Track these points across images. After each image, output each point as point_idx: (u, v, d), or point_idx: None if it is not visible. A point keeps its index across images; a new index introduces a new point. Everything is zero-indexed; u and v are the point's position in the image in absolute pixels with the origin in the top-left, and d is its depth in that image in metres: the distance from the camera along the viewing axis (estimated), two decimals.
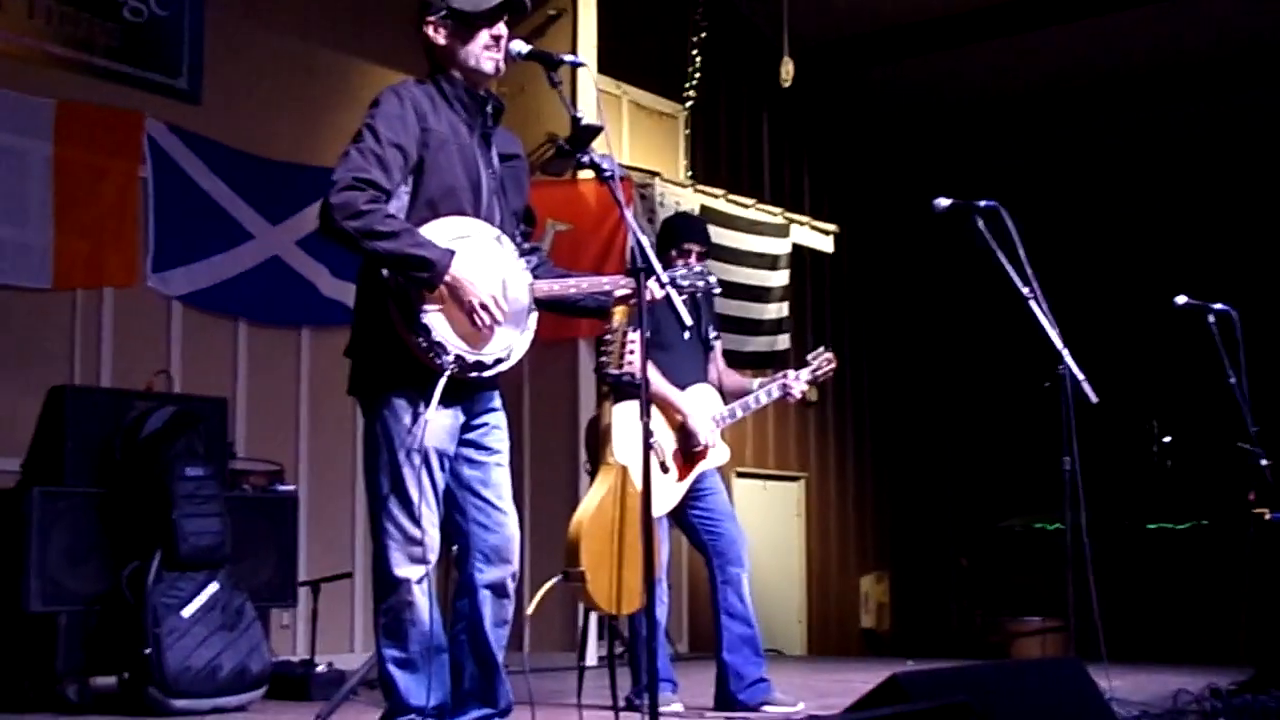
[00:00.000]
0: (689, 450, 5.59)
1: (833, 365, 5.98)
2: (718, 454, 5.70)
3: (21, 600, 5.19)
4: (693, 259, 5.67)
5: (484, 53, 3.77)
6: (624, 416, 5.39)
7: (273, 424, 7.51)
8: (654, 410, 5.51)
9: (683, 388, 5.58)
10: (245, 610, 5.43)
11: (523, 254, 3.84)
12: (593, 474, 5.40)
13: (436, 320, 3.55)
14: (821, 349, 5.98)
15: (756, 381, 5.92)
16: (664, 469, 5.51)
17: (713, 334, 5.84)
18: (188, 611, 5.23)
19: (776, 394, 5.82)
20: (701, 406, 5.62)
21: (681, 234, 5.75)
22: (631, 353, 5.37)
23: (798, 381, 5.79)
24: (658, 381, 5.49)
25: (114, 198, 6.90)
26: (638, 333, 3.73)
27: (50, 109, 6.66)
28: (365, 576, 7.55)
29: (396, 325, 3.56)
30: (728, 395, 5.80)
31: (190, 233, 7.18)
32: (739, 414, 5.76)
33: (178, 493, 5.34)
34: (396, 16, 8.03)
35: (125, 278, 6.93)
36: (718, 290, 4.29)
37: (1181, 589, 10.81)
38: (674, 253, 5.68)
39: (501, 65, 3.81)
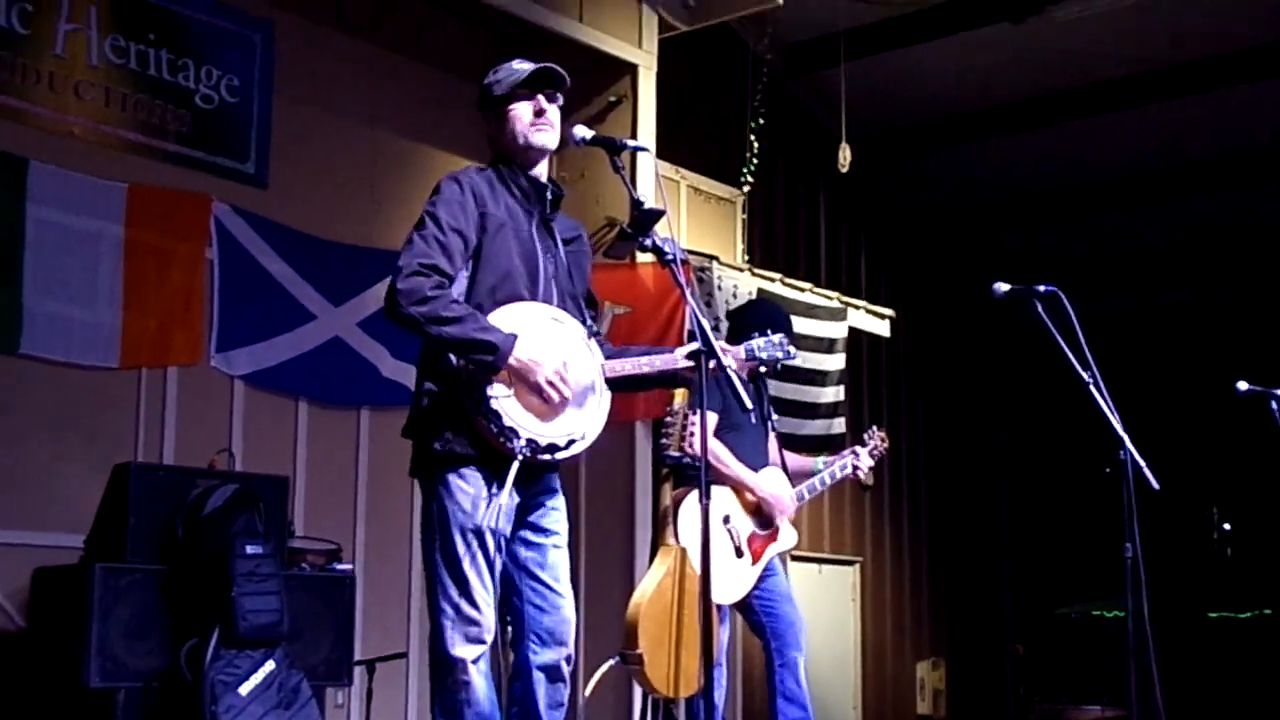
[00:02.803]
0: (762, 534, 5.57)
1: (886, 443, 5.98)
2: (787, 537, 5.68)
3: (81, 676, 5.23)
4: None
5: (531, 129, 3.83)
6: (696, 505, 5.38)
7: (331, 503, 7.55)
8: (729, 493, 5.51)
9: (753, 470, 5.58)
10: (301, 689, 5.45)
11: (591, 335, 3.87)
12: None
13: (507, 405, 3.59)
14: (874, 427, 5.99)
15: (820, 461, 5.92)
16: (738, 554, 5.48)
17: (773, 416, 5.85)
18: (245, 689, 5.25)
19: (841, 474, 5.83)
20: (778, 488, 5.61)
21: (770, 321, 5.76)
22: (692, 434, 5.39)
23: (865, 458, 5.81)
24: (732, 463, 5.49)
25: (181, 279, 7.01)
26: (699, 414, 3.75)
27: (123, 193, 6.80)
28: (419, 657, 7.60)
29: (468, 410, 3.60)
30: (792, 477, 5.80)
31: (254, 313, 7.28)
32: (806, 495, 5.76)
33: (237, 571, 5.37)
34: (460, 103, 8.17)
35: (190, 357, 7.03)
36: (796, 359, 4.30)
37: (1244, 679, 10.63)
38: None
39: (555, 139, 3.86)
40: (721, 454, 5.46)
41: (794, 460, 5.90)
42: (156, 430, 6.89)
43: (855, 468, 5.80)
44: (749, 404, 3.66)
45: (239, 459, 6.95)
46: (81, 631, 5.26)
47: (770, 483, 5.58)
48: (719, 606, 5.45)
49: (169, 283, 6.95)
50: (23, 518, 6.29)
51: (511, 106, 3.83)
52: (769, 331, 5.69)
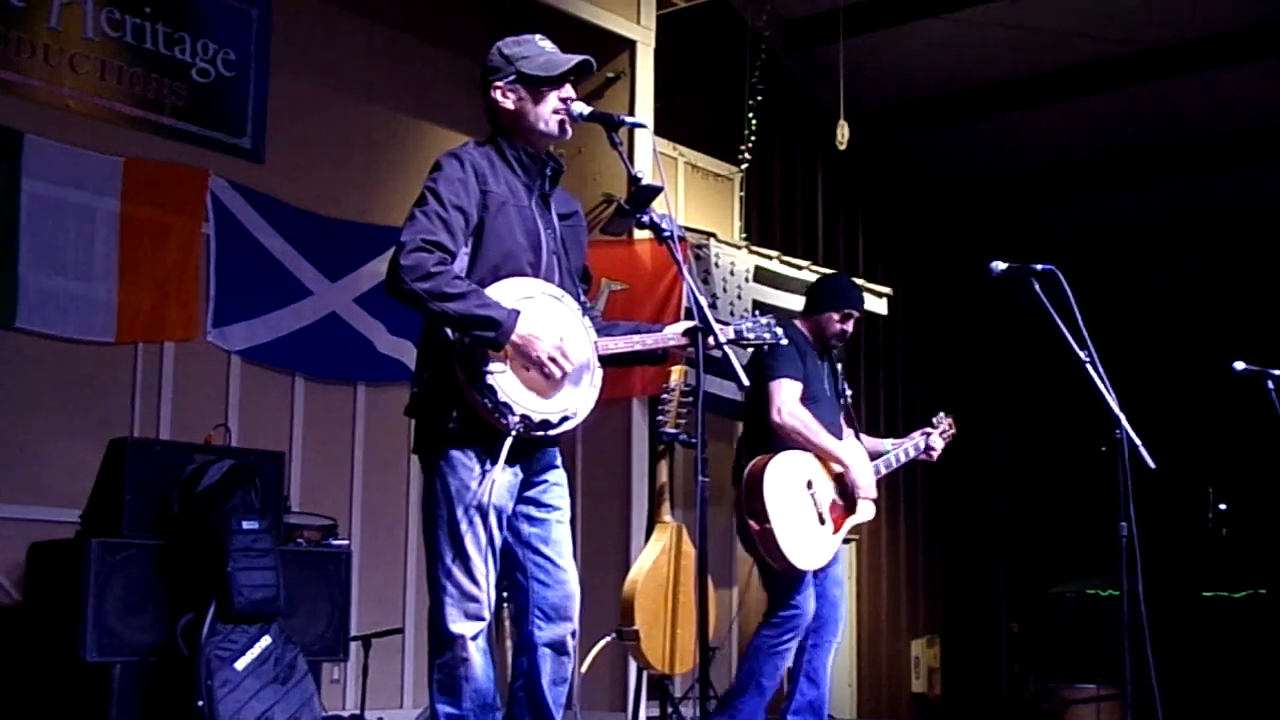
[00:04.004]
0: (841, 503, 5.56)
1: (954, 430, 6.00)
2: (865, 510, 5.67)
3: (78, 650, 5.25)
4: (849, 324, 5.71)
5: (553, 116, 3.81)
6: (781, 471, 5.36)
7: (327, 479, 7.56)
8: (813, 460, 5.49)
9: None
10: (297, 664, 5.47)
11: (584, 312, 3.87)
12: (746, 527, 5.37)
13: (502, 380, 3.59)
14: (942, 414, 5.99)
15: (889, 442, 5.92)
16: (821, 521, 5.46)
17: (846, 391, 5.84)
18: (241, 664, 5.27)
19: (911, 455, 5.84)
20: (860, 460, 5.60)
21: (843, 296, 5.76)
22: (779, 407, 5.38)
23: (937, 440, 5.82)
24: (820, 432, 5.47)
25: (177, 253, 7.00)
26: (699, 388, 3.74)
27: (118, 166, 6.78)
28: (416, 632, 7.62)
29: (462, 385, 3.60)
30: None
31: (250, 288, 7.27)
32: (882, 470, 5.75)
33: (233, 546, 5.39)
34: (457, 78, 8.16)
35: (186, 332, 7.03)
36: (784, 343, 4.30)
37: (1237, 658, 10.65)
38: (836, 315, 5.70)
39: (569, 127, 3.85)
40: (808, 421, 5.44)
41: (864, 439, 5.88)
42: (153, 405, 6.89)
43: (929, 448, 5.81)
44: (745, 382, 3.65)
45: (235, 434, 6.95)
46: (78, 606, 5.28)
47: (852, 455, 5.56)
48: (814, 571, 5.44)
49: (165, 258, 6.95)
50: (19, 492, 6.30)
51: (542, 89, 3.82)
52: (847, 312, 5.67)
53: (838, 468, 5.51)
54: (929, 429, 5.95)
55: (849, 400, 5.81)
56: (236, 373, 7.25)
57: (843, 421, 5.76)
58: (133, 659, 5.35)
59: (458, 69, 8.18)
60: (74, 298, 6.59)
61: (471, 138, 3.94)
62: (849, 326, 5.77)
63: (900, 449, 5.84)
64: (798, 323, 5.77)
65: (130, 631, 5.38)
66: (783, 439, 5.43)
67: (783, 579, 5.41)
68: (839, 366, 5.86)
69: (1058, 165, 12.73)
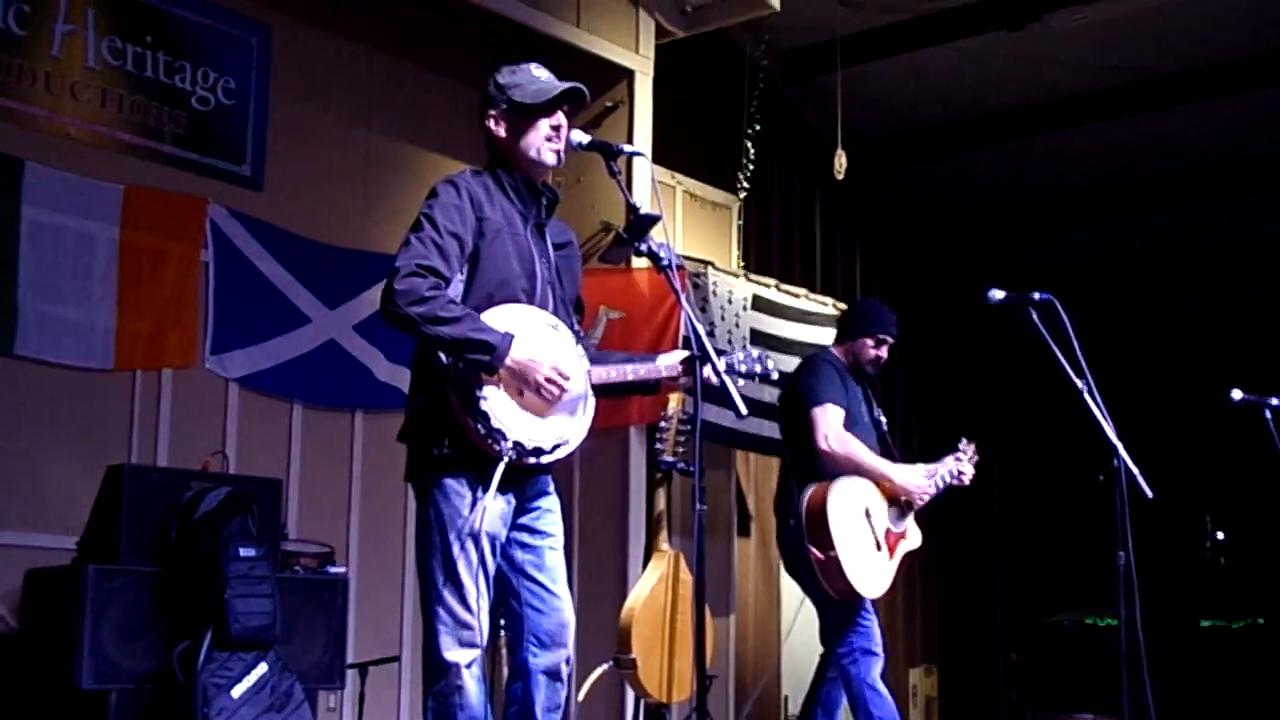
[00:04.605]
0: (896, 529, 5.55)
1: (977, 457, 6.01)
2: (915, 535, 5.67)
3: (73, 677, 5.22)
4: (884, 350, 5.71)
5: (545, 144, 3.84)
6: (843, 498, 5.35)
7: (325, 506, 7.55)
8: (871, 485, 5.48)
9: None
10: (294, 692, 5.44)
11: (578, 341, 3.88)
12: (798, 557, 5.36)
13: (496, 406, 3.59)
14: (963, 439, 6.00)
15: (923, 469, 5.92)
16: (878, 547, 5.46)
17: (881, 417, 5.84)
18: (237, 692, 5.25)
19: (949, 480, 5.85)
20: (909, 470, 5.59)
21: (879, 322, 5.75)
22: (825, 435, 5.37)
23: (968, 467, 5.83)
24: (869, 456, 5.46)
25: (175, 281, 7.01)
26: (696, 417, 3.74)
27: (118, 194, 6.79)
28: (412, 660, 7.59)
29: (455, 411, 3.60)
30: None
31: (249, 316, 7.28)
32: (932, 491, 5.75)
33: (230, 573, 5.37)
34: (456, 107, 8.18)
35: (184, 359, 7.02)
36: (775, 375, 4.31)
37: (1235, 688, 10.63)
38: (870, 341, 5.69)
39: (563, 156, 3.87)
40: (856, 445, 5.44)
41: None
42: (150, 432, 6.89)
43: (960, 474, 5.82)
44: (743, 410, 3.65)
45: (233, 461, 6.95)
46: (74, 633, 5.26)
47: (902, 471, 5.56)
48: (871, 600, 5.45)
49: (164, 285, 6.95)
50: (16, 519, 6.28)
51: (533, 117, 3.83)
52: (881, 337, 5.65)
53: (890, 488, 5.51)
54: (959, 454, 5.94)
55: (885, 427, 5.81)
56: (234, 400, 7.25)
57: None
58: (129, 686, 5.32)
59: (457, 97, 8.20)
60: (72, 325, 6.59)
61: (469, 166, 3.96)
62: (883, 353, 5.77)
63: (937, 476, 5.83)
64: (833, 349, 5.77)
65: (126, 658, 5.35)
66: (831, 465, 5.41)
67: (842, 608, 5.40)
68: (871, 393, 5.86)
69: (1056, 195, 12.76)
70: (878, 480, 5.49)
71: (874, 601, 5.61)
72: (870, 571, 5.38)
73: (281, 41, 7.62)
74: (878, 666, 5.47)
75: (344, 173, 7.94)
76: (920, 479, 5.56)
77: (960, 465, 5.86)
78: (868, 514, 5.44)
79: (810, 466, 5.49)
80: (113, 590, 5.36)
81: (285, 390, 7.47)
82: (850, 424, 5.52)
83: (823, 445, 5.40)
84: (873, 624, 5.45)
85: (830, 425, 5.42)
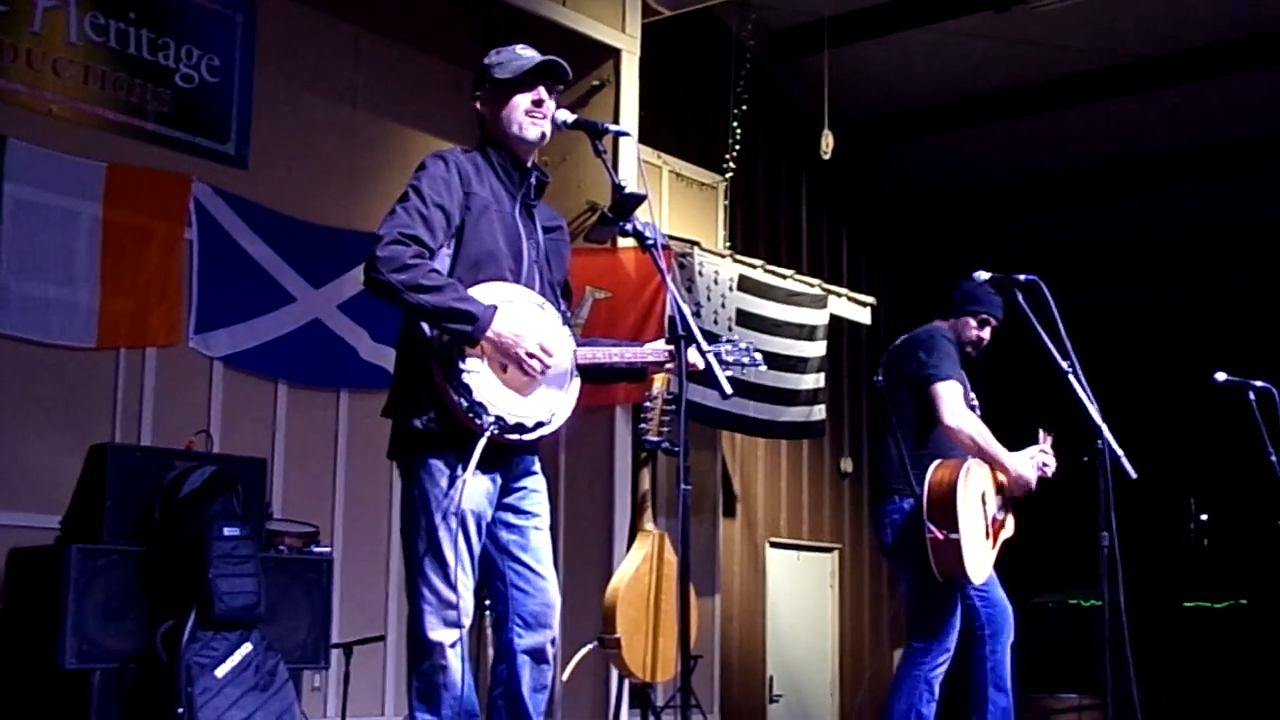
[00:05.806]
0: (1000, 517, 5.50)
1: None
2: (1010, 524, 5.62)
3: (57, 657, 5.21)
4: (986, 331, 5.62)
5: (526, 119, 3.82)
6: (972, 481, 5.27)
7: (309, 486, 7.54)
8: (988, 471, 5.42)
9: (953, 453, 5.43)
10: (278, 671, 5.44)
11: (565, 323, 3.86)
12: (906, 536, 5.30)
13: (478, 380, 3.57)
14: (1041, 430, 5.91)
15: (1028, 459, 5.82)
16: (986, 534, 5.40)
17: (975, 401, 5.75)
18: (221, 671, 5.24)
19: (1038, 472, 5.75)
20: (1020, 459, 5.53)
21: (983, 302, 5.62)
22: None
23: (1050, 457, 5.75)
24: (991, 440, 5.38)
25: (159, 259, 6.98)
26: (681, 398, 3.73)
27: (101, 172, 6.76)
28: (397, 640, 7.59)
29: (438, 384, 3.59)
30: None
31: (233, 294, 7.26)
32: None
33: (214, 552, 5.36)
34: (442, 85, 8.16)
35: (168, 338, 7.00)
36: (762, 368, 4.28)
37: (1218, 668, 10.69)
38: (973, 321, 5.61)
39: (548, 132, 3.85)
40: (980, 428, 5.35)
41: None
42: (134, 411, 6.87)
43: (1045, 464, 5.74)
44: (728, 391, 3.63)
45: (217, 441, 6.93)
46: (57, 613, 5.24)
47: (1015, 459, 5.50)
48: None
49: (147, 263, 6.93)
50: None
51: (512, 93, 3.82)
52: (984, 318, 5.54)
53: (1003, 477, 5.45)
54: (1043, 447, 5.85)
55: (979, 411, 5.70)
56: (219, 379, 7.23)
57: None
58: (112, 666, 5.31)
59: (443, 76, 8.18)
60: (56, 303, 6.56)
61: (455, 144, 3.94)
62: (985, 334, 5.66)
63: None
64: (943, 324, 5.66)
65: (110, 638, 5.34)
66: (951, 442, 5.33)
67: (941, 593, 5.32)
68: (975, 376, 5.78)
69: (1042, 176, 12.77)
70: (992, 465, 5.42)
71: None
72: (980, 557, 5.32)
73: (266, 19, 7.58)
74: (945, 668, 5.44)
75: (329, 151, 7.92)
76: (1031, 469, 5.50)
77: (1046, 456, 5.78)
78: (983, 499, 5.38)
79: (924, 441, 5.37)
80: (96, 570, 5.35)
81: (270, 369, 7.45)
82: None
83: (948, 421, 5.25)
84: (956, 623, 5.40)
85: (955, 402, 5.31)
